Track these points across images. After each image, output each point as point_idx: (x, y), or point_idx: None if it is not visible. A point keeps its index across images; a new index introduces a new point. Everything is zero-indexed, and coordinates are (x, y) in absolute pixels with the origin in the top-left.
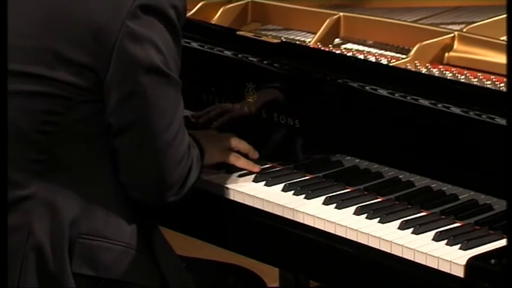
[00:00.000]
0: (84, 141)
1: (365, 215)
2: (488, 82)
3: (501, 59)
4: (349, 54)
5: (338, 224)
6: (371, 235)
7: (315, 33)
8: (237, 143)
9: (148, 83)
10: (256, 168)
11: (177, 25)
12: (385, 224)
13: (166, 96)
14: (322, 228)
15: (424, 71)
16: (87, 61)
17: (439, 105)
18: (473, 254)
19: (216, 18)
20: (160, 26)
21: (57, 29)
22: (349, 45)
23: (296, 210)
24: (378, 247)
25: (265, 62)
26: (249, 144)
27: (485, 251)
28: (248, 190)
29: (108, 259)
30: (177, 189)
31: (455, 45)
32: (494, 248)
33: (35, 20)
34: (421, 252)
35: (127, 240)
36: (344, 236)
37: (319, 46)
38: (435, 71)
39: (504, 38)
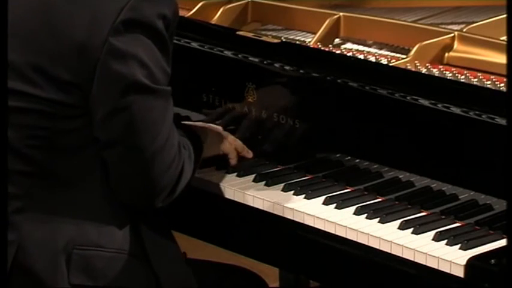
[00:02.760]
0: (73, 153)
1: (365, 215)
2: (488, 82)
3: (501, 59)
4: (349, 54)
5: (338, 224)
6: (371, 235)
7: (315, 33)
8: (233, 139)
9: (133, 100)
10: (250, 154)
11: (165, 35)
12: (385, 224)
13: (153, 109)
14: (322, 228)
15: (424, 71)
16: (71, 78)
17: (439, 105)
18: (473, 254)
19: (216, 18)
20: (146, 40)
21: (40, 44)
22: (349, 45)
23: (296, 210)
24: (378, 247)
25: (265, 62)
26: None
27: (485, 251)
28: (248, 190)
29: (104, 267)
30: (168, 193)
31: (455, 45)
32: (494, 248)
33: (19, 35)
34: (421, 252)
35: (120, 245)
36: (344, 236)
37: (319, 46)
38: (435, 71)
39: (504, 38)
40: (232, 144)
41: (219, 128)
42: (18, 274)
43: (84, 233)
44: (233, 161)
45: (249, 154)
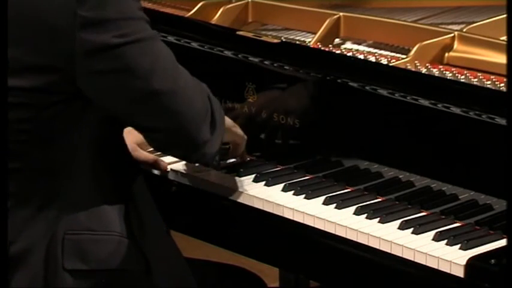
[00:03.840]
0: (58, 141)
1: (365, 215)
2: (488, 82)
3: (501, 59)
4: (349, 54)
5: (338, 224)
6: (371, 235)
7: (315, 33)
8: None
9: (122, 57)
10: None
11: None
12: (385, 224)
13: (145, 56)
14: (322, 228)
15: (424, 71)
16: (50, 62)
17: (439, 105)
18: (473, 254)
19: (216, 18)
20: None
21: (17, 35)
22: (349, 45)
23: (296, 210)
24: (378, 247)
25: (265, 62)
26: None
27: (485, 251)
28: (248, 190)
29: (96, 250)
30: (210, 122)
31: (455, 45)
32: (494, 248)
33: None
34: (421, 252)
35: (110, 227)
36: (344, 236)
37: (319, 46)
38: (435, 71)
39: (504, 38)
40: (244, 135)
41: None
42: (13, 266)
43: (74, 218)
44: (242, 152)
45: (245, 158)
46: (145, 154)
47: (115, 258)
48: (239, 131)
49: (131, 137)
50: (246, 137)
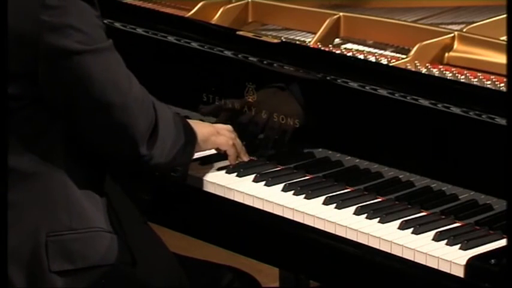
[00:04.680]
0: (31, 144)
1: (365, 215)
2: (488, 82)
3: (501, 59)
4: (349, 54)
5: (338, 224)
6: (371, 235)
7: (315, 33)
8: (232, 137)
9: (80, 66)
10: (246, 158)
11: None
12: (385, 224)
13: (100, 66)
14: (322, 228)
15: (424, 71)
16: (18, 69)
17: (439, 105)
18: (473, 254)
19: (216, 18)
20: (74, 3)
21: None
22: (349, 45)
23: (296, 210)
24: (378, 247)
25: (265, 62)
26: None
27: (485, 251)
28: (248, 190)
29: (80, 248)
30: (149, 136)
31: (455, 45)
32: (494, 248)
33: None
34: (421, 252)
35: (91, 223)
36: (344, 236)
37: (319, 46)
38: (435, 71)
39: (504, 38)
40: (230, 140)
41: (227, 126)
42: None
43: (55, 219)
44: (231, 158)
45: (245, 157)
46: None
47: (100, 253)
48: (220, 139)
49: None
50: (233, 141)
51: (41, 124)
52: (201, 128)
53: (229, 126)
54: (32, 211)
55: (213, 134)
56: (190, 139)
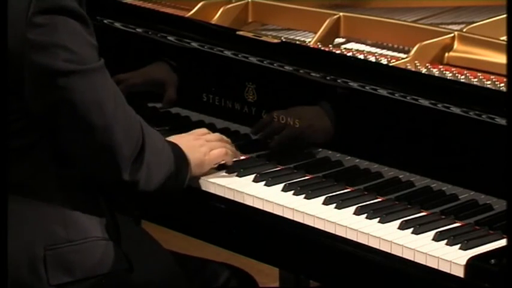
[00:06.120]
0: (25, 157)
1: (365, 215)
2: (488, 82)
3: (501, 59)
4: (349, 54)
5: (338, 224)
6: (371, 235)
7: (315, 33)
8: (221, 146)
9: (67, 87)
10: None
11: (79, 10)
12: (385, 224)
13: (89, 89)
14: (322, 228)
15: (424, 71)
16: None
17: (439, 105)
18: (473, 254)
19: (216, 18)
20: (63, 23)
21: None
22: (349, 45)
23: (296, 210)
24: (377, 247)
25: (265, 62)
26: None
27: (485, 251)
28: (248, 190)
29: (78, 259)
30: (131, 163)
31: (455, 45)
32: (494, 248)
33: None
34: (421, 252)
35: (87, 233)
36: (344, 236)
37: (319, 46)
38: (435, 71)
39: (504, 38)
40: (223, 150)
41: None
42: None
43: (52, 233)
44: (230, 163)
45: (240, 157)
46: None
47: (98, 263)
48: (215, 155)
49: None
50: (226, 149)
51: (33, 137)
52: (193, 152)
53: (217, 135)
54: (28, 225)
55: (206, 154)
56: (182, 167)
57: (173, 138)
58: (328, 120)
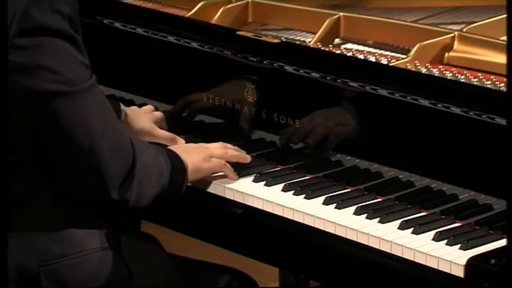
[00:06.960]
0: (17, 173)
1: (365, 215)
2: (488, 82)
3: (501, 59)
4: (349, 54)
5: (338, 224)
6: (371, 235)
7: (315, 33)
8: (223, 153)
9: (52, 108)
10: (247, 159)
11: (66, 29)
12: (385, 224)
13: (76, 110)
14: (322, 228)
15: (424, 71)
16: None
17: (439, 105)
18: (473, 254)
19: (216, 18)
20: (48, 44)
21: None
22: (349, 45)
23: (296, 210)
24: (378, 247)
25: (265, 62)
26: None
27: (485, 251)
28: (248, 190)
29: (75, 274)
30: (120, 183)
31: (455, 45)
32: (494, 248)
33: None
34: (421, 252)
35: (84, 247)
36: (344, 236)
37: (319, 46)
38: (435, 71)
39: (504, 38)
40: (222, 160)
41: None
42: None
43: (46, 250)
44: (230, 175)
45: (246, 160)
46: (163, 132)
47: (96, 274)
48: (213, 163)
49: (146, 118)
50: (226, 159)
51: (25, 153)
52: (191, 157)
53: (219, 144)
54: (22, 245)
55: (206, 160)
56: (178, 176)
57: (174, 148)
58: (328, 120)
